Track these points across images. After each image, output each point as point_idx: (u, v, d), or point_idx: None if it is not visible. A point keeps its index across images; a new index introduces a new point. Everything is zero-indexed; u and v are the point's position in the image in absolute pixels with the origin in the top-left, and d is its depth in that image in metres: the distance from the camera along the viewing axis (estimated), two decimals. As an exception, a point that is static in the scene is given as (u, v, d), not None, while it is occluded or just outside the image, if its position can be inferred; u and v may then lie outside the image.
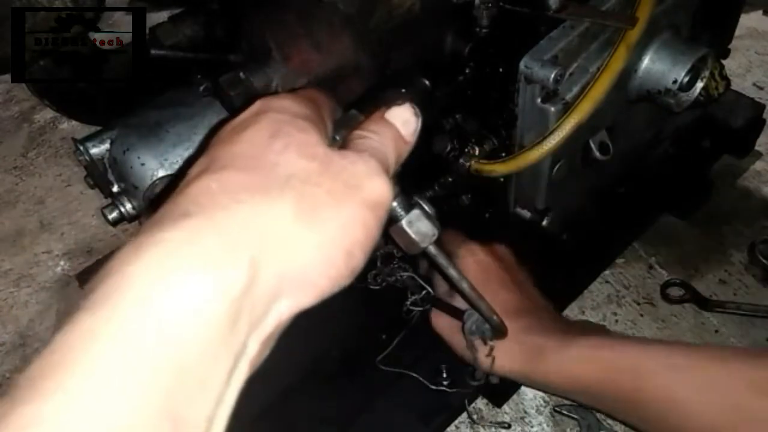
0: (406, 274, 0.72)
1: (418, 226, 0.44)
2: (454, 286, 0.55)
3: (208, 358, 0.24)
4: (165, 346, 0.23)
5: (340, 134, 0.41)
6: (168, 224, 0.26)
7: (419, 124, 0.38)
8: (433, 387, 0.72)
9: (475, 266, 0.66)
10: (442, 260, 0.49)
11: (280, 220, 0.28)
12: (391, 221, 0.44)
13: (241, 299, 0.25)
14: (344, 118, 0.42)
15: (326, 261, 0.29)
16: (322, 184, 0.30)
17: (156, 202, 0.64)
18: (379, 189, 0.32)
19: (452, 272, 0.51)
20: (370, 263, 0.78)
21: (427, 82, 0.61)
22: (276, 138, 0.31)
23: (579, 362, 0.57)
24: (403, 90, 0.59)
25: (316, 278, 0.29)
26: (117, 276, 0.24)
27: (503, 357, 0.61)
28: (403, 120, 0.37)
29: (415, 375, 0.73)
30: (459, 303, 0.64)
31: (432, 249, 0.47)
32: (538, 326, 0.62)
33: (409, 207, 0.44)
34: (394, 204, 0.43)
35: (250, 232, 0.27)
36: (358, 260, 0.30)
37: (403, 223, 0.44)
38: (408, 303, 0.72)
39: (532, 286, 0.70)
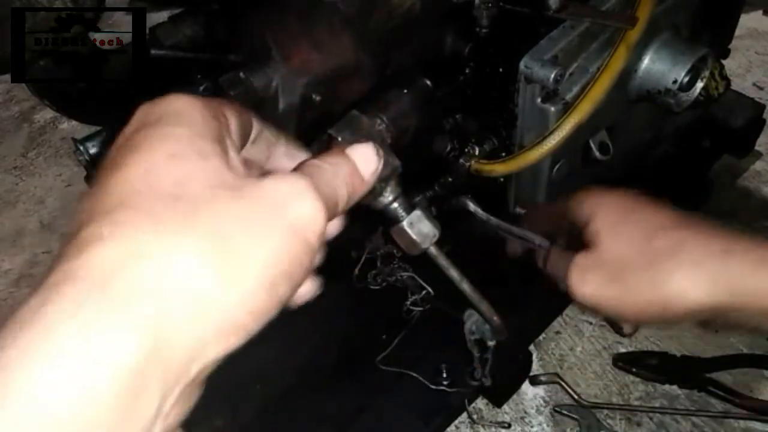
0: (406, 274, 0.72)
1: (420, 227, 0.44)
2: (456, 287, 0.54)
3: None
4: None
5: (342, 135, 0.41)
6: (52, 293, 0.23)
7: (380, 165, 0.35)
8: (433, 387, 0.72)
9: (600, 200, 0.52)
10: (443, 261, 0.49)
11: (187, 270, 0.24)
12: (392, 222, 0.44)
13: (144, 368, 0.23)
14: (345, 120, 0.42)
15: (248, 300, 0.26)
16: (236, 216, 0.26)
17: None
18: (306, 210, 0.28)
19: (453, 273, 0.51)
20: (370, 263, 0.79)
21: (428, 82, 0.61)
22: (173, 162, 0.26)
23: None
24: (405, 90, 0.58)
25: (239, 319, 0.26)
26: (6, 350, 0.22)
27: (702, 281, 0.44)
28: (365, 158, 0.34)
29: (415, 375, 0.73)
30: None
31: (433, 250, 0.47)
32: (726, 238, 0.47)
33: (410, 208, 0.44)
34: (395, 205, 0.43)
35: (148, 293, 0.23)
36: (285, 291, 0.27)
37: (404, 224, 0.44)
38: (408, 303, 0.72)
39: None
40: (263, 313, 0.26)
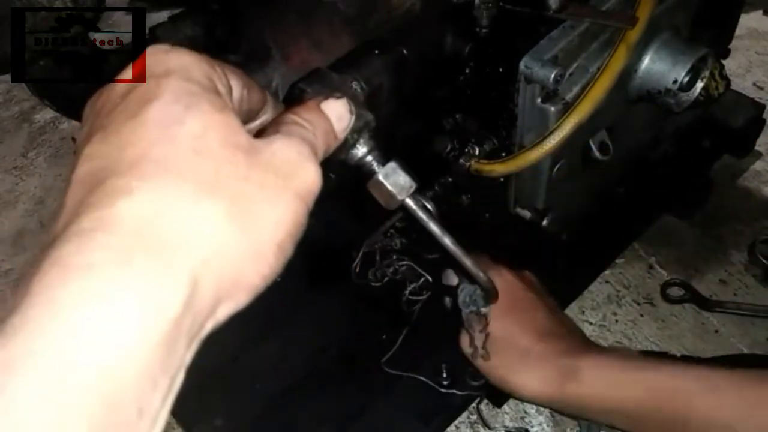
0: (404, 263, 0.72)
1: (395, 178, 0.44)
2: (436, 242, 0.50)
3: (144, 388, 0.22)
4: (98, 382, 0.21)
5: (313, 87, 0.41)
6: (93, 242, 0.23)
7: (352, 121, 0.36)
8: (434, 387, 0.72)
9: (505, 287, 0.63)
10: (421, 214, 0.47)
11: (214, 227, 0.25)
12: (368, 176, 0.44)
13: (181, 318, 0.24)
14: (316, 74, 0.42)
15: (260, 260, 0.27)
16: (252, 179, 0.27)
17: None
18: (311, 176, 0.30)
19: (433, 227, 0.48)
20: (370, 260, 0.79)
21: (404, 51, 0.59)
22: (189, 115, 0.27)
23: (618, 383, 0.56)
24: (377, 51, 0.57)
25: (251, 278, 0.27)
26: (40, 301, 0.22)
27: (535, 380, 0.60)
28: (338, 114, 0.35)
29: (415, 375, 0.73)
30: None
31: (410, 202, 0.45)
32: (572, 349, 0.61)
33: (384, 161, 0.43)
34: (369, 158, 0.43)
35: (185, 245, 0.24)
36: (289, 252, 0.29)
37: (380, 176, 0.43)
38: (407, 292, 0.72)
39: (561, 312, 0.70)
40: (271, 273, 0.28)
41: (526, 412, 0.80)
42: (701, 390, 0.52)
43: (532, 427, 0.79)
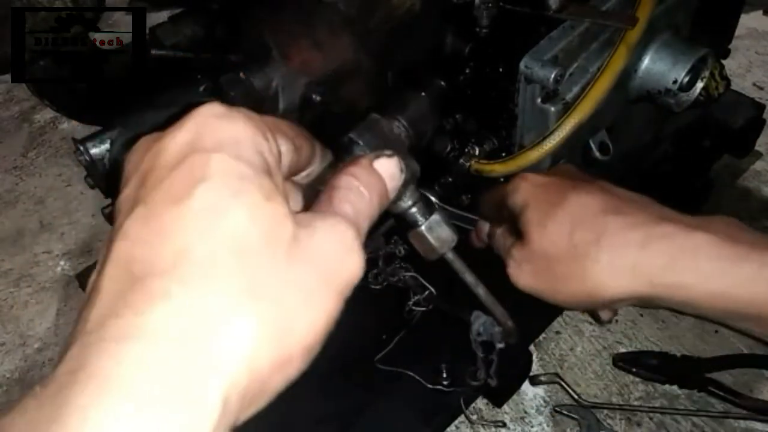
0: (408, 274, 0.72)
1: (438, 232, 0.44)
2: (470, 291, 0.53)
3: None
4: None
5: (363, 138, 0.41)
6: (131, 355, 0.23)
7: (402, 179, 0.34)
8: (434, 387, 0.72)
9: (531, 189, 0.50)
10: (459, 265, 0.49)
11: (249, 342, 0.24)
12: (410, 226, 0.44)
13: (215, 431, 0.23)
14: (366, 123, 0.42)
15: (288, 366, 0.26)
16: (291, 280, 0.26)
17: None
18: (353, 269, 0.28)
19: (468, 277, 0.50)
20: (372, 263, 0.79)
21: (443, 83, 0.61)
22: (235, 206, 0.25)
23: (741, 272, 0.41)
24: (423, 93, 0.58)
25: (277, 385, 0.26)
26: (73, 413, 0.21)
27: (627, 268, 0.44)
28: (390, 174, 0.33)
29: (415, 375, 0.73)
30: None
31: (450, 255, 0.46)
32: (675, 215, 0.46)
33: (428, 212, 0.43)
34: (414, 209, 0.43)
35: (219, 364, 0.24)
36: (316, 352, 0.28)
37: (423, 228, 0.43)
38: (410, 303, 0.72)
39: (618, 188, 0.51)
40: (295, 375, 0.27)
41: (526, 413, 0.80)
42: None
43: (532, 427, 0.79)
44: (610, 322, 0.58)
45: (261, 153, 0.27)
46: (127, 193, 0.28)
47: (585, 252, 0.45)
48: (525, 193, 0.50)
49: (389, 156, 0.33)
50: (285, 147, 0.30)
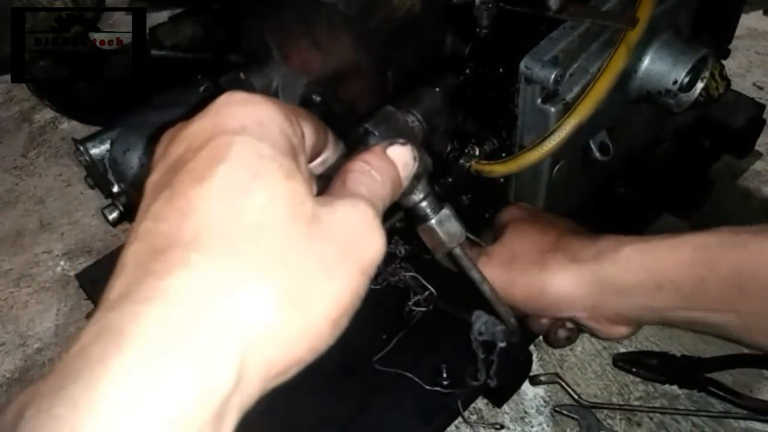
0: (408, 274, 0.72)
1: (448, 227, 0.44)
2: (475, 287, 0.54)
3: None
4: None
5: (379, 129, 0.41)
6: (151, 313, 0.23)
7: (416, 167, 0.35)
8: (434, 387, 0.72)
9: (518, 208, 0.64)
10: (466, 261, 0.49)
11: (267, 308, 0.25)
12: (420, 220, 0.44)
13: (230, 396, 0.24)
14: (381, 115, 0.42)
15: (313, 337, 0.27)
16: (312, 252, 0.26)
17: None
18: (375, 247, 0.29)
19: (475, 274, 0.51)
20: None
21: (454, 80, 0.61)
22: (256, 184, 0.26)
23: (662, 252, 0.49)
24: (437, 89, 0.58)
25: (303, 355, 0.27)
26: (95, 366, 0.22)
27: (566, 274, 0.52)
28: (404, 161, 0.34)
29: (415, 376, 0.73)
30: None
31: (458, 250, 0.47)
32: (603, 236, 0.54)
33: (438, 207, 0.44)
34: (424, 203, 0.43)
35: (235, 326, 0.24)
36: (344, 326, 0.28)
37: (433, 222, 0.44)
38: (410, 303, 0.72)
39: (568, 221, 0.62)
40: (323, 347, 0.28)
41: (526, 413, 0.80)
42: (758, 236, 0.46)
43: (532, 427, 0.79)
44: (564, 345, 0.62)
45: (284, 134, 0.28)
46: (153, 179, 0.29)
47: (548, 257, 0.55)
48: (512, 212, 0.63)
49: (403, 144, 0.34)
50: (307, 129, 0.31)
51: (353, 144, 0.37)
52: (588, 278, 0.51)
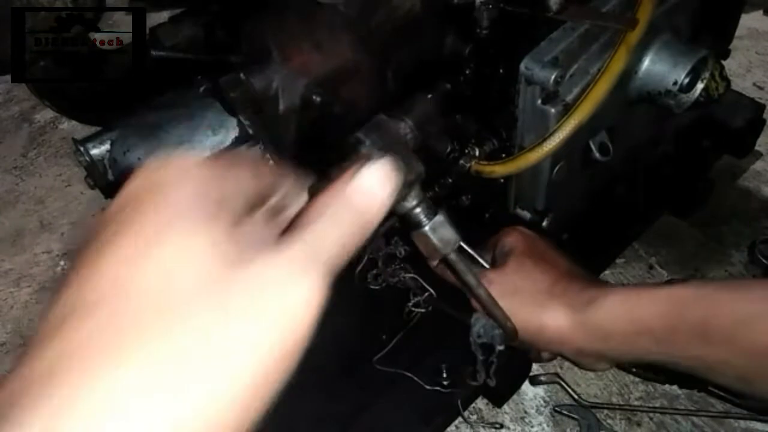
0: (408, 275, 0.72)
1: (442, 233, 0.44)
2: (471, 293, 0.54)
3: None
4: None
5: (370, 138, 0.41)
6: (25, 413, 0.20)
7: (398, 180, 0.30)
8: (433, 387, 0.72)
9: (522, 236, 0.65)
10: (461, 267, 0.49)
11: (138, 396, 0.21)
12: (414, 227, 0.44)
13: None
14: (371, 124, 0.42)
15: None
16: (219, 316, 0.23)
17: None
18: (302, 297, 0.25)
19: (470, 279, 0.51)
20: (371, 262, 0.79)
21: (448, 86, 0.61)
22: (161, 239, 0.24)
23: (641, 302, 0.54)
24: (429, 95, 0.58)
25: None
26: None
27: (561, 313, 0.58)
28: (380, 180, 0.29)
29: (415, 376, 0.73)
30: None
31: (453, 256, 0.46)
32: (595, 282, 0.60)
33: (432, 213, 0.43)
34: (418, 210, 0.43)
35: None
36: (262, 406, 0.25)
37: (427, 229, 0.43)
38: (410, 305, 0.72)
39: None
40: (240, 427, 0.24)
41: (526, 413, 0.80)
42: (726, 289, 0.52)
43: (532, 427, 0.79)
44: (548, 360, 0.70)
45: (207, 180, 0.26)
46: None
47: (547, 298, 0.59)
48: (516, 240, 0.64)
49: (377, 163, 0.29)
50: (242, 182, 0.29)
51: (345, 153, 0.37)
52: (578, 324, 0.57)
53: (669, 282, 0.64)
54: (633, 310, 0.54)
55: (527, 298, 0.60)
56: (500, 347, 0.61)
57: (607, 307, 0.55)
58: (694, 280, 0.59)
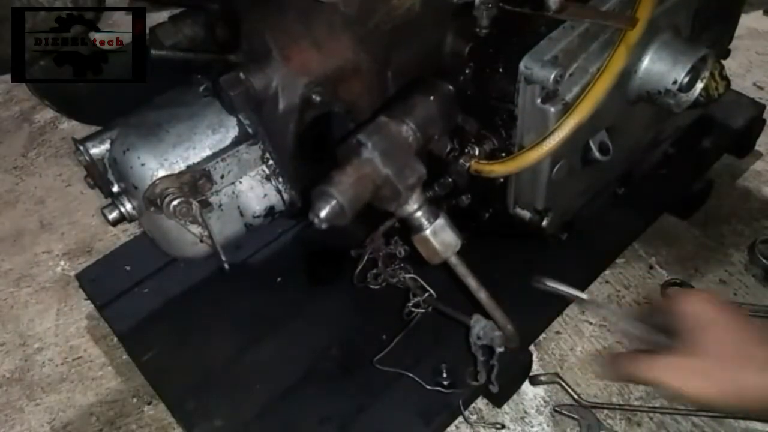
0: (408, 275, 0.72)
1: (443, 237, 0.44)
2: (472, 295, 0.54)
3: None
4: None
5: (371, 141, 0.41)
6: None
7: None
8: (434, 387, 0.72)
9: (711, 305, 0.62)
10: (462, 270, 0.49)
11: None
12: (415, 230, 0.44)
13: None
14: (373, 125, 0.41)
15: None
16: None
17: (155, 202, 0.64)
18: None
19: (471, 281, 0.51)
20: (371, 263, 0.79)
21: (450, 87, 0.60)
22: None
23: None
24: (432, 97, 0.58)
25: None
26: None
27: (762, 380, 0.58)
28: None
29: (415, 375, 0.73)
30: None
31: (453, 259, 0.46)
32: None
33: (433, 216, 0.43)
34: (419, 213, 0.43)
35: None
36: None
37: (428, 233, 0.43)
38: (410, 305, 0.72)
39: None
40: None
41: (526, 412, 0.80)
42: None
43: (532, 427, 0.79)
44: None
45: None
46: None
47: (749, 363, 0.58)
48: (701, 309, 0.61)
49: None
50: None
51: (346, 155, 0.37)
52: None
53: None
54: None
55: (728, 366, 0.59)
56: (500, 349, 0.61)
57: None
58: None
